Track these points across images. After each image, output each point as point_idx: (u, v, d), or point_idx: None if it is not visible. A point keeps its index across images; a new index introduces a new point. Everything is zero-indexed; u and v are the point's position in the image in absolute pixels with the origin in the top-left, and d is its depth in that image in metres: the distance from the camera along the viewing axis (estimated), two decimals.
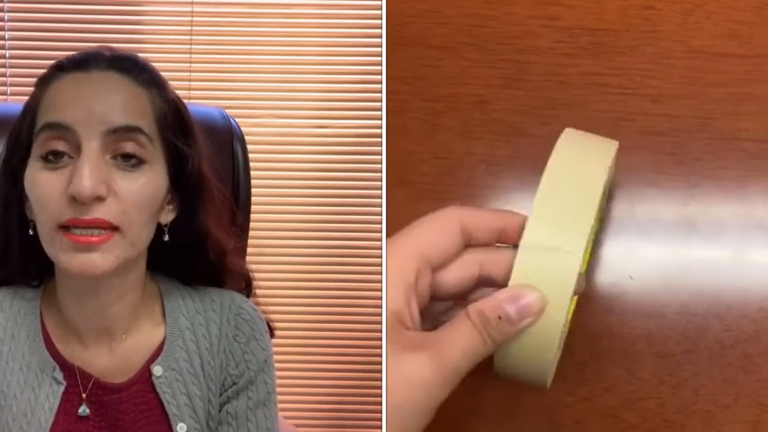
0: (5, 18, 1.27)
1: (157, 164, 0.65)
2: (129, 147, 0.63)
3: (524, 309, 0.56)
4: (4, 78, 1.27)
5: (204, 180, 0.69)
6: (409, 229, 0.60)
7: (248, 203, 0.91)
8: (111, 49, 0.68)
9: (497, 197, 0.74)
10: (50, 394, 0.66)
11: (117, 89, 0.65)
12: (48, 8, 1.28)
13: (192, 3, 1.29)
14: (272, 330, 0.74)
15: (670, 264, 0.74)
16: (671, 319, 0.73)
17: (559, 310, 0.57)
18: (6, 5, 1.26)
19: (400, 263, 0.57)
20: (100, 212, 0.61)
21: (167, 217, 0.68)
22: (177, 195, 0.68)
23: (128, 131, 0.63)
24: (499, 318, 0.56)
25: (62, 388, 0.66)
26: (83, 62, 0.65)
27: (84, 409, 0.66)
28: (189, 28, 1.29)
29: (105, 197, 0.61)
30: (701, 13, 0.76)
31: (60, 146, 0.62)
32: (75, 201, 0.61)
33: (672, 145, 0.75)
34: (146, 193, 0.64)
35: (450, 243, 0.60)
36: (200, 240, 0.70)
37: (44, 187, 0.62)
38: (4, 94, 1.27)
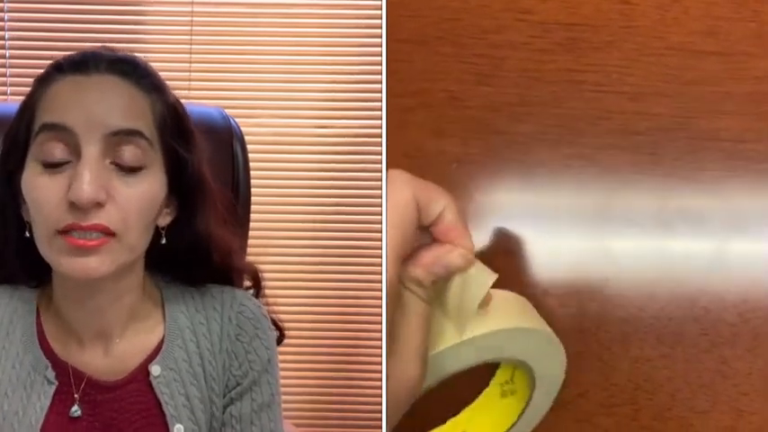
0: (5, 18, 1.27)
1: (157, 168, 0.65)
2: (129, 153, 0.63)
3: (450, 266, 0.58)
4: (4, 78, 1.28)
5: (203, 184, 0.69)
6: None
7: (248, 203, 0.91)
8: (110, 49, 0.67)
9: (470, 197, 0.73)
10: (42, 394, 0.66)
11: (117, 93, 0.64)
12: (48, 8, 1.28)
13: (192, 3, 1.29)
14: (282, 334, 0.74)
15: (647, 266, 0.73)
16: (647, 323, 0.72)
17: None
18: (6, 5, 1.27)
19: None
20: (99, 218, 0.61)
21: (164, 220, 0.67)
22: (175, 199, 0.68)
23: (128, 135, 0.63)
24: (433, 282, 0.58)
25: (53, 387, 0.66)
26: (82, 64, 0.65)
27: (75, 410, 0.66)
28: (189, 28, 1.29)
29: (105, 203, 0.61)
30: (678, 8, 0.74)
31: (58, 151, 0.62)
32: (74, 206, 0.60)
33: (650, 144, 0.73)
34: (145, 200, 0.64)
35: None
36: (201, 243, 0.69)
37: (43, 192, 0.62)
38: (4, 94, 1.27)
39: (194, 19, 1.29)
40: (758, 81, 0.73)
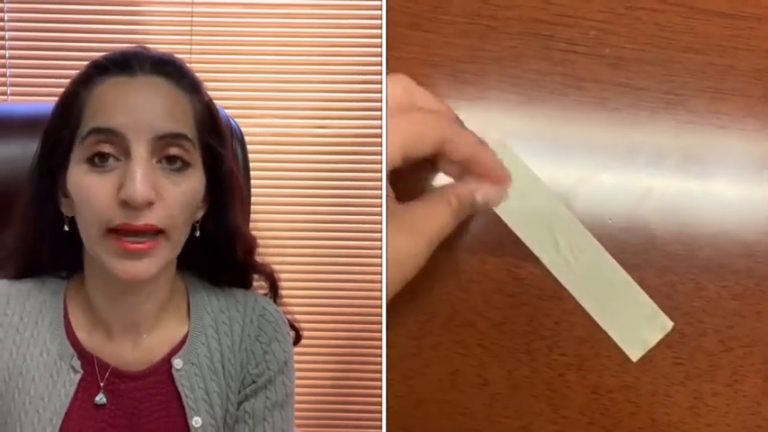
0: (5, 18, 1.27)
1: (198, 166, 0.66)
2: (175, 151, 0.64)
3: (489, 197, 0.60)
4: (4, 78, 1.27)
5: (234, 180, 0.71)
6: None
7: (248, 204, 0.91)
8: (148, 49, 0.69)
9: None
10: (67, 381, 0.67)
11: (162, 95, 0.65)
12: (48, 8, 1.27)
13: (192, 3, 1.29)
14: (298, 335, 0.75)
15: None
16: (610, 345, 0.60)
17: None
18: (6, 5, 1.26)
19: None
20: (149, 218, 0.62)
21: (198, 214, 0.69)
22: (208, 193, 0.69)
23: (174, 138, 0.64)
24: (470, 204, 0.59)
25: (79, 376, 0.68)
26: (126, 65, 0.66)
27: (100, 398, 0.68)
28: (189, 28, 1.29)
29: (155, 202, 0.62)
30: None
31: (107, 148, 0.63)
32: (126, 205, 0.62)
33: (630, 125, 0.59)
34: (189, 196, 0.65)
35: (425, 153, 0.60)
36: (228, 237, 0.71)
37: (93, 190, 0.63)
38: (4, 94, 1.27)
39: (194, 19, 1.29)
40: None
